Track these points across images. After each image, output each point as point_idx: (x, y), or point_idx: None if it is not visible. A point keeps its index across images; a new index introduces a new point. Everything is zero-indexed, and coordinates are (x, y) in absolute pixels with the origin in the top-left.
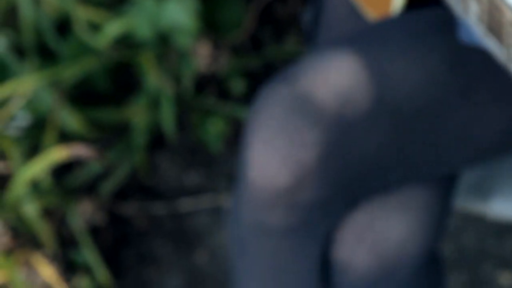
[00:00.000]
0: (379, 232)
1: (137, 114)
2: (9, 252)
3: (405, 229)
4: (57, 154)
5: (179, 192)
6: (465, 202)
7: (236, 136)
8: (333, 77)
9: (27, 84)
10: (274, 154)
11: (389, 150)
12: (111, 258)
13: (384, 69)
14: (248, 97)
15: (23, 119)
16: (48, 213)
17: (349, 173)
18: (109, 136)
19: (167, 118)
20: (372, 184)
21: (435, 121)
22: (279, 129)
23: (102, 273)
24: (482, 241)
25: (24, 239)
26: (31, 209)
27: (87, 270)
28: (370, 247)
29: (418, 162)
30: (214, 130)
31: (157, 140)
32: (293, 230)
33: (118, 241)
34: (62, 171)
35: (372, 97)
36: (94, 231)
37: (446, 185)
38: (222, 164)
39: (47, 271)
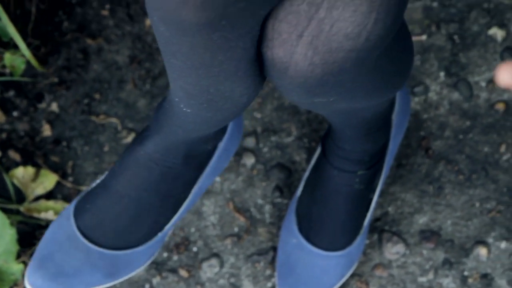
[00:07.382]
0: (322, 24)
1: None
2: None
3: (356, 19)
4: None
5: None
6: None
7: None
8: None
9: None
10: None
11: None
12: (46, 22)
13: None
14: None
15: None
16: None
17: None
18: None
19: None
20: None
21: None
22: None
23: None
24: None
25: None
26: None
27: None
28: (312, 41)
29: None
30: None
31: None
32: (208, 25)
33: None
34: None
35: None
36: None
37: None
38: None
39: None
